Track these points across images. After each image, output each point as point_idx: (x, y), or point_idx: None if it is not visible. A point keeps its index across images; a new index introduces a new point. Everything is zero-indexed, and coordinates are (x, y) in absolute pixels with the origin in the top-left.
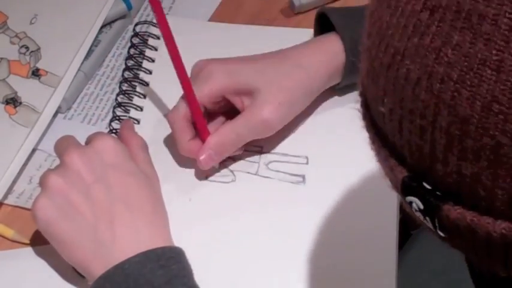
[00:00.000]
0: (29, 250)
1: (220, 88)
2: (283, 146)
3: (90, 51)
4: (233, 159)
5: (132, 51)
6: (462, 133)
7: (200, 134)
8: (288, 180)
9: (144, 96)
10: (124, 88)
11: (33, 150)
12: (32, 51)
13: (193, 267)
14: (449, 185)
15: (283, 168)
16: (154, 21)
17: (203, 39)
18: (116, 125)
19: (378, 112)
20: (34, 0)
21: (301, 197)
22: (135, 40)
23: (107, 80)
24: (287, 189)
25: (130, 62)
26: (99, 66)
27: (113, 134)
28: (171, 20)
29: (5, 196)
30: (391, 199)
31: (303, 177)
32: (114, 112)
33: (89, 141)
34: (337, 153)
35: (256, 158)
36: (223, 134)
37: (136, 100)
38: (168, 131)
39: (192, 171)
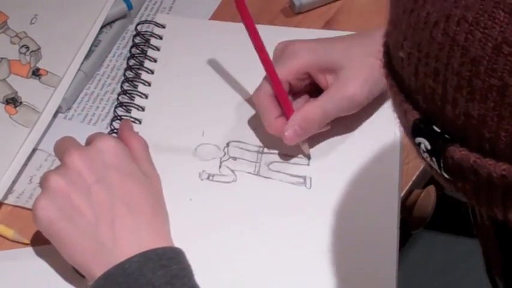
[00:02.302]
0: (29, 250)
1: (305, 64)
2: (285, 147)
3: (90, 51)
4: (234, 158)
5: (133, 50)
6: (472, 74)
7: (285, 111)
8: (288, 181)
9: (146, 96)
10: (125, 88)
11: (34, 150)
12: (32, 51)
13: (193, 267)
14: (457, 127)
15: (284, 169)
16: (156, 20)
17: (204, 38)
18: (117, 124)
19: (397, 57)
20: (34, 0)
21: (301, 198)
22: (137, 39)
23: (107, 80)
24: (288, 190)
25: (132, 62)
26: (100, 66)
27: (114, 134)
28: (171, 20)
29: (5, 196)
30: (392, 199)
31: (304, 178)
32: (115, 112)
33: (90, 141)
34: (338, 155)
35: (257, 158)
36: (309, 110)
37: (138, 100)
38: (170, 131)
39: (193, 171)
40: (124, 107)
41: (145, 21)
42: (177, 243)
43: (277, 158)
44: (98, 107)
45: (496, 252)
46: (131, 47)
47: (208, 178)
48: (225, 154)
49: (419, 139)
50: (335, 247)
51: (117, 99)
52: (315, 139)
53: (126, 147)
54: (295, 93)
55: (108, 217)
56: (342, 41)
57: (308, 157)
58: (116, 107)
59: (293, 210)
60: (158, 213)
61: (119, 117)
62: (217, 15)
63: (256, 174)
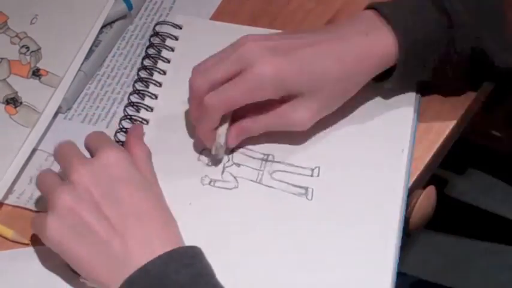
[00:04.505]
0: (29, 250)
1: (265, 97)
2: (290, 156)
3: (90, 51)
4: (237, 165)
5: (150, 50)
6: None
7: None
8: (290, 191)
9: (156, 97)
10: (138, 87)
11: (34, 151)
12: (32, 51)
13: None
14: None
15: (287, 179)
16: (174, 21)
17: (219, 41)
18: (126, 123)
19: None
20: (34, 1)
21: (301, 209)
22: (155, 40)
23: (108, 80)
24: (288, 200)
25: (147, 62)
26: (100, 66)
27: (122, 133)
28: (188, 21)
29: (5, 196)
30: (393, 216)
31: (306, 189)
32: (125, 111)
33: (93, 150)
34: (343, 166)
35: (261, 166)
36: (251, 128)
37: (148, 100)
38: (176, 133)
39: (195, 175)
40: (134, 107)
41: (164, 22)
42: None
43: (281, 167)
44: (98, 107)
45: None
46: (147, 47)
47: (210, 183)
48: (229, 160)
49: None
50: (330, 260)
51: (128, 98)
52: (321, 152)
53: (130, 157)
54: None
55: (118, 231)
56: (306, 52)
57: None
58: (126, 106)
59: (293, 221)
60: (168, 221)
61: (128, 116)
62: (217, 15)
63: (258, 182)
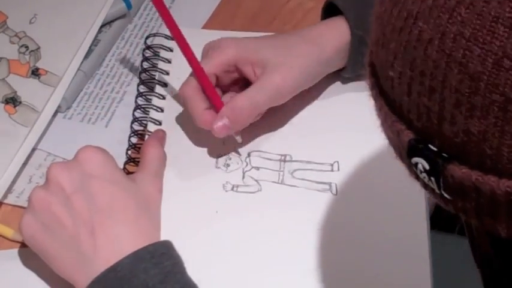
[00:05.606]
0: (29, 250)
1: (232, 56)
2: (307, 154)
3: (89, 51)
4: (256, 168)
5: (145, 64)
6: (471, 91)
7: (213, 103)
8: (314, 188)
9: (162, 110)
10: (140, 102)
11: (33, 150)
12: (31, 51)
13: (223, 278)
14: (455, 145)
15: (308, 177)
16: (166, 33)
17: (201, 47)
18: (136, 126)
19: (386, 77)
20: (34, 0)
21: (329, 205)
22: (147, 53)
23: (107, 79)
24: (314, 197)
25: (144, 76)
26: (99, 65)
27: (134, 136)
28: (164, 30)
29: (5, 196)
30: (419, 199)
31: (330, 184)
32: (132, 127)
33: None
34: (361, 159)
35: (280, 166)
36: (238, 102)
37: (154, 114)
38: (190, 144)
39: (217, 182)
40: (138, 122)
41: (155, 34)
42: (207, 256)
43: (300, 165)
44: (97, 106)
45: (496, 275)
46: (142, 61)
47: (232, 189)
48: (247, 164)
49: (416, 159)
50: (367, 252)
51: (133, 114)
52: (335, 146)
53: (111, 157)
54: (223, 88)
55: (88, 226)
56: (269, 38)
57: (239, 145)
58: (132, 123)
59: (322, 217)
60: (141, 219)
61: (135, 132)
62: (216, 14)
63: (280, 183)
